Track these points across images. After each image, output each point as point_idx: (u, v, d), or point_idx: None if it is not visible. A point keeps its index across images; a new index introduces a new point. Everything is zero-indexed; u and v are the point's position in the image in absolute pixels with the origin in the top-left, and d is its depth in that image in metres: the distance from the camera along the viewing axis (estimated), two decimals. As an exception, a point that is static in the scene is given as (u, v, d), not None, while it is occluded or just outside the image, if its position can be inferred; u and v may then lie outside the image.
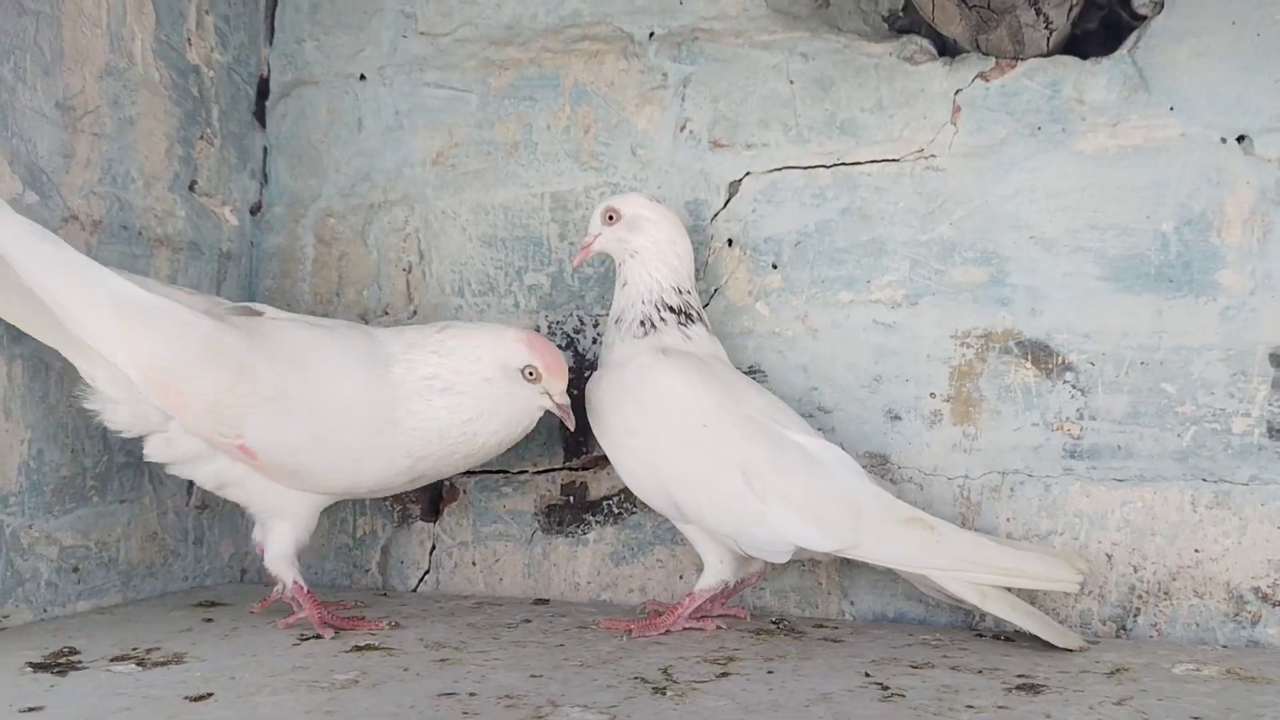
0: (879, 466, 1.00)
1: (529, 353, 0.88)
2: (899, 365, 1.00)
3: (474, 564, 1.11)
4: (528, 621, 0.96)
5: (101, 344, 0.82)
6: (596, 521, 1.08)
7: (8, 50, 0.89)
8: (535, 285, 1.10)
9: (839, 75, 1.03)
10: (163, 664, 0.78)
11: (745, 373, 1.00)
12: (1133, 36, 0.96)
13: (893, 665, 0.81)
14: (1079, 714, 0.69)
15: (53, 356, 0.88)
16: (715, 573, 0.92)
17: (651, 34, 1.08)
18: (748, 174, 1.05)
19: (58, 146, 0.93)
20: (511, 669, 0.78)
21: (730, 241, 1.05)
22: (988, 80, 0.99)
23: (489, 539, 1.11)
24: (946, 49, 1.01)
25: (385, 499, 1.13)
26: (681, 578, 1.05)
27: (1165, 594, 0.93)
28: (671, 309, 0.94)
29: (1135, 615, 0.94)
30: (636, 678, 0.76)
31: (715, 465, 0.88)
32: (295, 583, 0.90)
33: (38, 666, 0.76)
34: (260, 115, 1.18)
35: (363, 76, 1.16)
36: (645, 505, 0.97)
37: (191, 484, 1.06)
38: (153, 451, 0.88)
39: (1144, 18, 0.96)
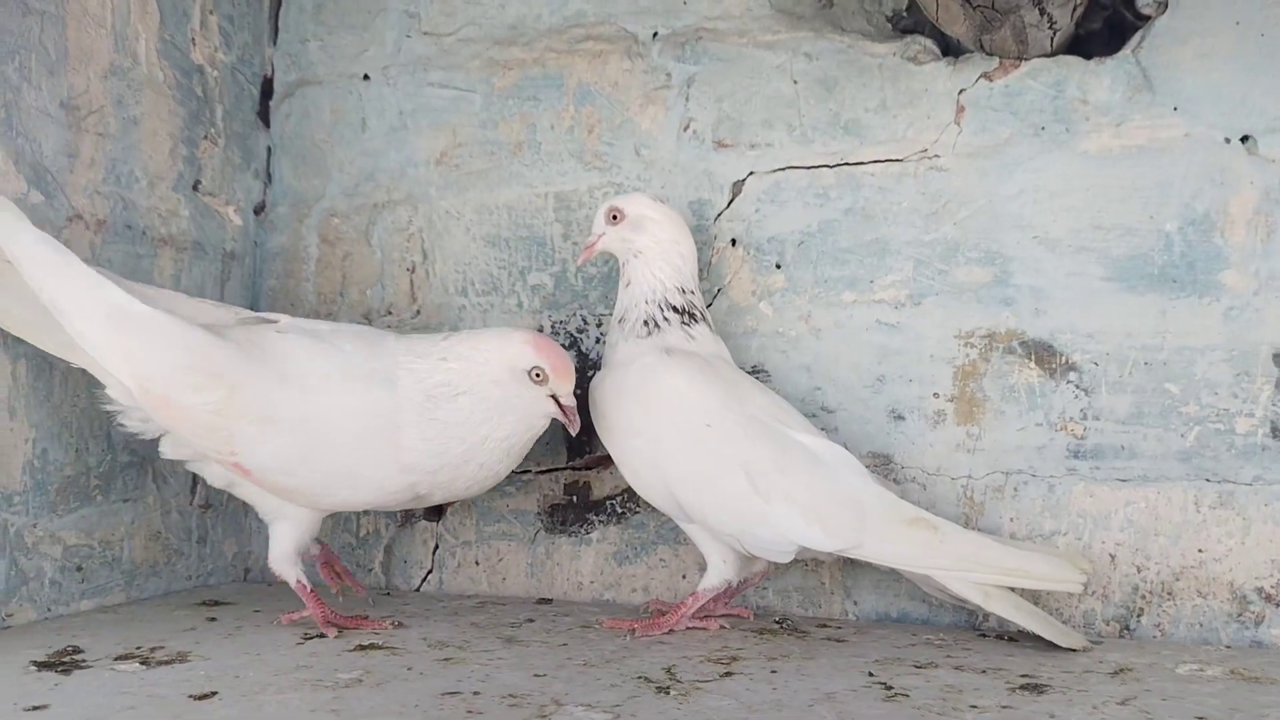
0: (882, 466, 1.00)
1: (536, 354, 0.88)
2: (902, 365, 1.00)
3: (477, 563, 1.11)
4: (531, 621, 0.96)
5: (102, 357, 0.83)
6: (600, 521, 1.08)
7: (13, 50, 0.89)
8: (539, 285, 1.10)
9: (843, 75, 1.03)
10: (167, 663, 0.78)
11: (748, 372, 1.00)
12: (1137, 37, 0.96)
13: (896, 665, 0.81)
14: (1082, 714, 0.69)
15: (56, 356, 0.89)
16: (718, 572, 0.92)
17: (655, 34, 1.08)
18: (751, 174, 1.05)
19: (62, 146, 0.93)
20: (515, 668, 0.78)
21: (734, 241, 1.05)
22: (991, 80, 0.99)
23: (492, 538, 1.11)
24: (950, 49, 1.01)
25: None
26: (685, 577, 1.05)
27: (1169, 594, 0.93)
28: (675, 309, 0.94)
29: (1139, 615, 0.94)
30: (640, 677, 0.76)
31: (719, 465, 0.88)
32: (298, 582, 0.90)
33: (42, 665, 0.76)
34: (264, 115, 1.18)
35: (366, 76, 1.16)
36: (648, 505, 0.96)
37: (195, 483, 1.07)
38: (166, 450, 0.90)
39: (1148, 18, 0.96)
